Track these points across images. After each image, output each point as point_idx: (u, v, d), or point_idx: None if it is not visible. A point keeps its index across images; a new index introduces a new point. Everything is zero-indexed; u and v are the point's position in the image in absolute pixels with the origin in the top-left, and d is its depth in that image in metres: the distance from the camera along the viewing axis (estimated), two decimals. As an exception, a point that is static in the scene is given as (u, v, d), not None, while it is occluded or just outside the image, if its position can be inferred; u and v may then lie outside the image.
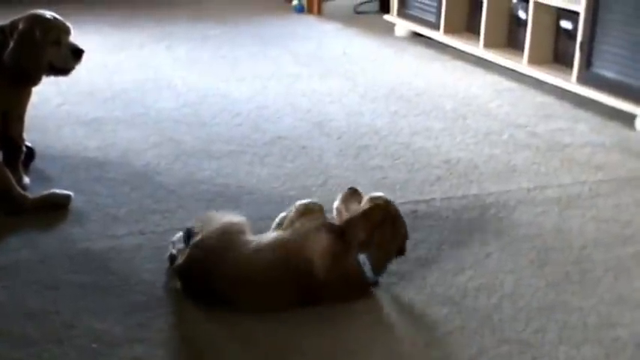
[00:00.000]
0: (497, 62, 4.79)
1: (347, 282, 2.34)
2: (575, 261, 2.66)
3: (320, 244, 2.32)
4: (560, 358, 2.15)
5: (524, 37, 4.59)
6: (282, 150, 3.53)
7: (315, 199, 2.59)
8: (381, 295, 2.42)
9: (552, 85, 4.40)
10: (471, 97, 4.33)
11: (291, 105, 4.12)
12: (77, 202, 2.94)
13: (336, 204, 2.47)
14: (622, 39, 3.96)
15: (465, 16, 5.18)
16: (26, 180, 3.05)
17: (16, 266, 2.54)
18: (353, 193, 2.46)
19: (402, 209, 2.94)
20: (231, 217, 2.46)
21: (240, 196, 3.07)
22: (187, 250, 2.37)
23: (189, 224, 2.48)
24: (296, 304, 2.32)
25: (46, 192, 2.94)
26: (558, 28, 4.51)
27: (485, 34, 4.86)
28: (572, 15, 4.31)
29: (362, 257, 2.35)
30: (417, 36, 5.48)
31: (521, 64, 4.60)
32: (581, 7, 4.15)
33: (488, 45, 4.86)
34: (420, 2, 5.39)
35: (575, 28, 4.25)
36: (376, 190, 3.16)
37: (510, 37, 4.85)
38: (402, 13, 5.57)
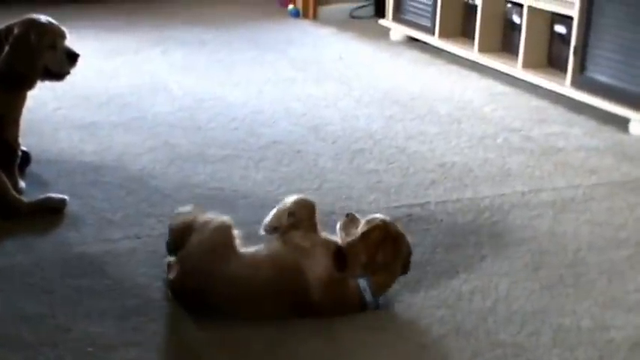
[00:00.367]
0: (491, 66, 4.80)
1: (343, 305, 2.32)
2: (570, 264, 2.67)
3: (318, 266, 2.29)
4: (554, 360, 2.17)
5: (518, 41, 4.60)
6: (277, 154, 3.54)
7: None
8: (376, 298, 2.43)
9: (546, 89, 4.41)
10: (466, 102, 4.34)
11: (286, 109, 4.13)
12: (73, 206, 2.95)
13: (337, 232, 2.41)
14: (616, 43, 3.97)
15: (460, 21, 5.19)
16: (22, 184, 3.05)
17: (12, 270, 2.54)
18: (351, 219, 2.41)
19: (397, 213, 2.96)
20: (205, 218, 2.41)
21: (236, 200, 3.08)
22: (176, 265, 2.35)
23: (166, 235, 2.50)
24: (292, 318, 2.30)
25: (41, 196, 2.94)
26: (552, 32, 4.52)
27: (480, 39, 4.87)
28: (566, 19, 4.33)
29: (361, 281, 2.31)
30: (412, 40, 5.49)
31: (515, 69, 4.61)
32: (575, 12, 4.16)
33: (482, 49, 4.87)
34: (415, 7, 5.39)
35: (569, 33, 4.26)
36: (371, 193, 3.17)
37: (505, 41, 4.86)
38: (398, 17, 5.58)
